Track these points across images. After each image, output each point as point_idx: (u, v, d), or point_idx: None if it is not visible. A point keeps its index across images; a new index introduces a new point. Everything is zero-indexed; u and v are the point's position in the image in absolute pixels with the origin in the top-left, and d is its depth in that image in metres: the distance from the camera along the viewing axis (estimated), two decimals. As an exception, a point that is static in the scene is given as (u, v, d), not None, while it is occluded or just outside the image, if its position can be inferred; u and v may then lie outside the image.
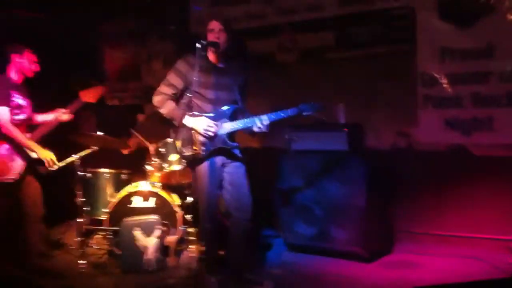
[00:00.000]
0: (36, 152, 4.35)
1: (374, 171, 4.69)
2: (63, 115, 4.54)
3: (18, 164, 4.35)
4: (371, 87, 5.27)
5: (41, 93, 4.60)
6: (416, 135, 5.02)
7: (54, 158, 4.42)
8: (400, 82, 5.10)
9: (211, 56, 4.08)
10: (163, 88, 4.08)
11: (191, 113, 3.91)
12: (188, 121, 3.93)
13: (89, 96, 4.56)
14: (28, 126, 4.51)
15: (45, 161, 4.37)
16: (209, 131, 3.90)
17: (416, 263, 4.56)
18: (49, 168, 4.43)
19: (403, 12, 5.07)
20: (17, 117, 4.36)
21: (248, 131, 4.03)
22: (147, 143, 5.12)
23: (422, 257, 4.65)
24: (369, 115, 5.23)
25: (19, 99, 4.37)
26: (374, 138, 5.17)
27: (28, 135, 4.42)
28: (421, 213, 4.98)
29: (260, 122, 3.93)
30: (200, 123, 3.91)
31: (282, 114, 3.96)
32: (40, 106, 4.66)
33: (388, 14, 5.13)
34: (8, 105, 4.26)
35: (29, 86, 4.54)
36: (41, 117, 4.63)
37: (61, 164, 4.61)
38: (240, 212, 4.06)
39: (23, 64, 4.37)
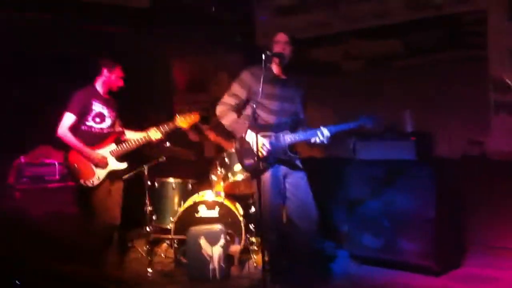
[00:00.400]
0: (92, 161, 4.42)
1: (445, 181, 4.51)
2: (154, 134, 4.63)
3: (100, 171, 4.47)
4: (441, 94, 5.12)
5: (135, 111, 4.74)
6: (489, 143, 4.81)
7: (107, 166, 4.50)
8: (471, 88, 4.92)
9: (275, 68, 4.11)
10: (227, 98, 4.14)
11: (253, 124, 3.92)
12: (248, 136, 3.96)
13: (184, 121, 4.66)
14: (118, 139, 4.62)
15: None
16: (263, 151, 3.91)
17: (487, 277, 4.34)
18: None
19: (474, 16, 4.90)
20: (97, 125, 4.49)
21: (307, 142, 4.01)
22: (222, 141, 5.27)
23: (493, 271, 4.41)
24: (439, 122, 5.05)
25: (101, 109, 4.50)
26: (444, 147, 4.99)
27: (113, 147, 4.53)
28: (493, 225, 4.74)
29: (321, 134, 3.91)
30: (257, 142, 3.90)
31: (343, 127, 3.93)
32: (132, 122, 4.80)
33: (458, 19, 4.98)
34: (76, 114, 4.39)
35: (119, 102, 4.69)
36: (131, 134, 4.74)
37: (131, 173, 4.78)
38: (305, 222, 4.03)
39: (110, 78, 4.54)
